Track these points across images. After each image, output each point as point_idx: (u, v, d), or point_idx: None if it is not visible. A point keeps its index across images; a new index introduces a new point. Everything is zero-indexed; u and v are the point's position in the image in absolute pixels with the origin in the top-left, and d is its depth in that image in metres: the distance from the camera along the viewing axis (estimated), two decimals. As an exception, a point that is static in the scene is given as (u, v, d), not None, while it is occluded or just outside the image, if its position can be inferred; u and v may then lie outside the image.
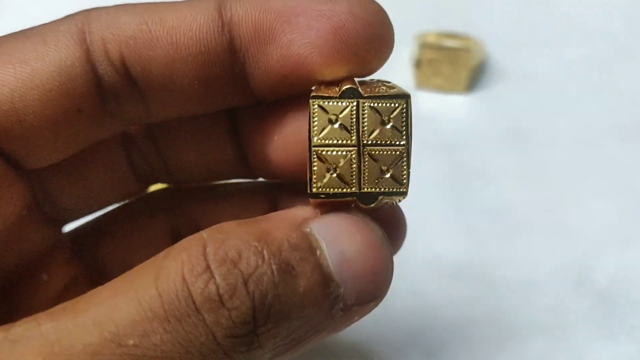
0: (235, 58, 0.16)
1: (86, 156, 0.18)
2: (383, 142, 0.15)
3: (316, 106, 0.15)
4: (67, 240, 0.20)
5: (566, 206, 0.30)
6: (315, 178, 0.14)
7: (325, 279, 0.14)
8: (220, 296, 0.13)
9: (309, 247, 0.14)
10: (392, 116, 0.15)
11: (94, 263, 0.20)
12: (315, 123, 0.15)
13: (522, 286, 0.27)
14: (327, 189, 0.14)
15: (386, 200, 0.15)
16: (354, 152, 0.15)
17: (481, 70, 0.37)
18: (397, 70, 0.36)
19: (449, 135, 0.33)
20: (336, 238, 0.14)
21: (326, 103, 0.15)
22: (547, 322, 0.26)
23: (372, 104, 0.15)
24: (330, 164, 0.14)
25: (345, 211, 0.15)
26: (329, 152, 0.15)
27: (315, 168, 0.14)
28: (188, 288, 0.13)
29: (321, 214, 0.15)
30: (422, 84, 0.36)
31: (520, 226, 0.29)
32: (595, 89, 0.36)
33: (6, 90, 0.15)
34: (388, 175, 0.15)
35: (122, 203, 0.21)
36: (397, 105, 0.15)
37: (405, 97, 0.15)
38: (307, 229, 0.14)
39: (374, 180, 0.14)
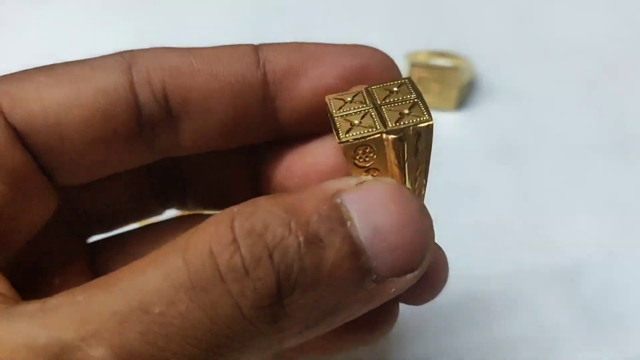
0: (267, 90, 0.18)
1: (112, 176, 0.19)
2: (396, 100, 0.16)
3: (331, 99, 0.17)
4: (85, 252, 0.21)
5: (553, 221, 0.31)
6: (341, 130, 0.15)
7: (355, 250, 0.14)
8: (245, 267, 0.13)
9: (339, 218, 0.14)
10: (398, 89, 0.16)
11: None
12: (333, 106, 0.16)
13: (509, 299, 0.27)
14: (355, 133, 0.15)
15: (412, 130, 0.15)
16: (373, 110, 0.16)
17: (470, 88, 0.38)
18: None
19: (438, 151, 0.34)
20: (368, 210, 0.14)
21: (339, 95, 0.17)
22: (533, 335, 0.26)
23: (379, 86, 0.16)
24: (353, 121, 0.16)
25: (380, 181, 0.15)
26: (350, 115, 0.16)
27: (339, 125, 0.16)
28: (215, 259, 0.13)
29: (355, 184, 0.15)
30: (412, 102, 0.36)
31: (507, 241, 0.30)
32: (582, 106, 0.37)
33: (55, 105, 0.17)
34: (409, 114, 0.15)
35: (144, 224, 0.22)
36: (400, 82, 0.16)
37: (406, 78, 0.16)
38: (338, 200, 0.14)
39: (397, 120, 0.15)
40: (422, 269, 0.15)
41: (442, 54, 0.38)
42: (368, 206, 0.14)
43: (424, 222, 0.15)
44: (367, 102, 0.16)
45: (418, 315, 0.27)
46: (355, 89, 0.17)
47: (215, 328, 0.13)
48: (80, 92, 0.17)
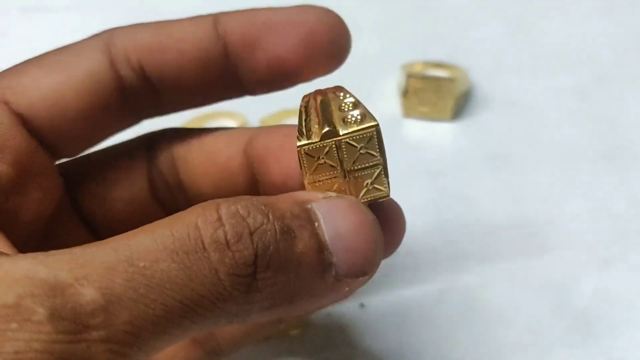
0: (228, 60, 0.21)
1: (114, 176, 0.23)
2: (362, 167, 0.18)
3: (303, 153, 0.18)
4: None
5: (547, 229, 0.31)
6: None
7: (320, 246, 0.17)
8: (227, 240, 0.16)
9: (309, 218, 0.17)
10: (366, 145, 0.18)
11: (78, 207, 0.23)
12: (306, 166, 0.18)
13: (503, 308, 0.28)
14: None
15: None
16: (342, 180, 0.18)
17: (466, 99, 0.38)
18: (384, 99, 0.37)
19: (434, 161, 0.35)
20: (332, 215, 0.17)
21: (311, 148, 0.18)
22: (526, 343, 0.27)
23: (348, 140, 0.18)
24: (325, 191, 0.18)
25: (342, 196, 0.18)
26: (322, 183, 0.18)
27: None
28: (199, 232, 0.16)
29: (322, 197, 0.18)
30: (409, 113, 0.37)
31: (502, 249, 0.30)
32: (576, 115, 0.37)
33: (51, 91, 0.20)
34: (371, 188, 0.18)
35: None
36: (368, 134, 0.18)
37: (374, 126, 0.18)
38: (309, 206, 0.17)
39: (361, 194, 0.18)
40: (372, 275, 0.17)
41: (438, 65, 0.38)
42: (332, 212, 0.17)
43: (375, 233, 0.17)
44: (337, 167, 0.18)
45: (411, 321, 0.27)
46: (324, 127, 0.18)
47: (191, 285, 0.15)
48: (71, 78, 0.20)
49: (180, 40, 0.20)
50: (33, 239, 0.21)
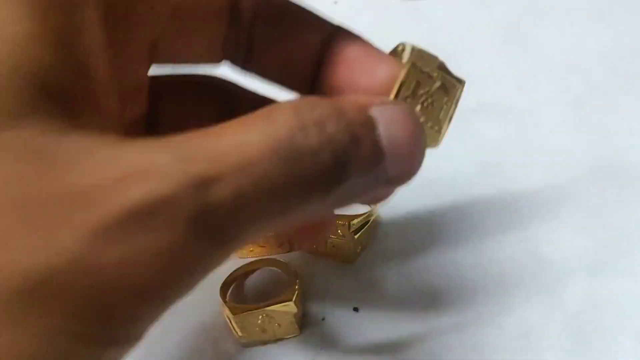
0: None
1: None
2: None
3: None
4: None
5: (538, 235, 0.32)
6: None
7: (379, 152, 0.17)
8: (313, 149, 0.16)
9: (371, 125, 0.17)
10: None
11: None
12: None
13: (495, 314, 0.28)
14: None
15: None
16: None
17: (458, 107, 0.39)
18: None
19: (428, 169, 0.35)
20: (391, 122, 0.17)
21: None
22: (518, 348, 0.27)
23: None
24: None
25: (398, 103, 0.19)
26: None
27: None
28: (294, 137, 0.16)
29: (379, 101, 0.18)
30: (403, 120, 0.37)
31: (493, 256, 0.31)
32: (568, 124, 0.38)
33: None
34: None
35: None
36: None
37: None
38: (370, 113, 0.17)
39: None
40: (413, 178, 0.19)
41: (431, 74, 0.39)
42: (390, 120, 0.17)
43: (423, 142, 0.18)
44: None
45: (404, 325, 0.28)
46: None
47: (289, 181, 0.15)
48: None
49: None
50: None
